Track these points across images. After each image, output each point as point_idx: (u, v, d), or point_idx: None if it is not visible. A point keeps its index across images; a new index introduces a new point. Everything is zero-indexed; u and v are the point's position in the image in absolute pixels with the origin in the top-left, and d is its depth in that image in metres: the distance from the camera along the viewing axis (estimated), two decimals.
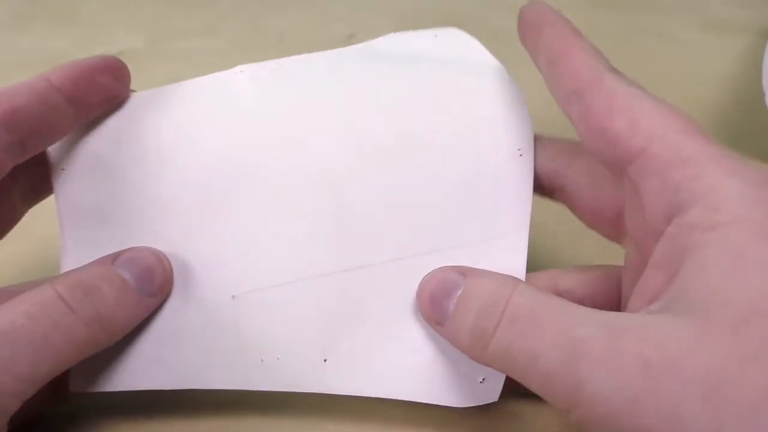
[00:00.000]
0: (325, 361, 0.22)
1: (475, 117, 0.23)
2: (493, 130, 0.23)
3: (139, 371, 0.22)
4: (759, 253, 0.15)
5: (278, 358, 0.22)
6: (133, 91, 0.24)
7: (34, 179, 0.23)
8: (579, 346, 0.16)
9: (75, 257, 0.22)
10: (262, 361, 0.22)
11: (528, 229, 0.22)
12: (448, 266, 0.21)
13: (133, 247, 0.22)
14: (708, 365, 0.14)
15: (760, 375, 0.14)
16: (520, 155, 0.23)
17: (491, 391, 0.22)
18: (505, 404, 0.22)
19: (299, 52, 0.23)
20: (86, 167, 0.23)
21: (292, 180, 0.23)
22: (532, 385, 0.17)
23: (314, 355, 0.22)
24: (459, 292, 0.20)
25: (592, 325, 0.16)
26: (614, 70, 0.19)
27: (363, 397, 0.22)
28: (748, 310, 0.14)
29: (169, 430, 0.23)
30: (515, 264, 0.22)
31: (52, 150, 0.23)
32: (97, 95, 0.22)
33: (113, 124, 0.23)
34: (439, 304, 0.20)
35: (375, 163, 0.23)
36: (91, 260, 0.22)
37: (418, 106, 0.23)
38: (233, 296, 0.22)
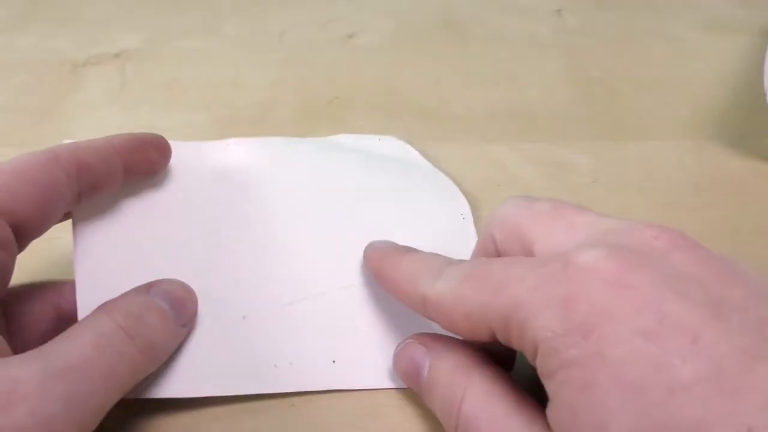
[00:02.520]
0: (334, 362, 0.24)
1: (425, 193, 0.29)
2: (439, 201, 0.29)
3: (161, 380, 0.22)
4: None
5: (291, 363, 0.23)
6: None
7: None
8: None
9: (90, 286, 0.23)
10: (276, 366, 0.23)
11: None
12: (411, 340, 0.22)
13: (164, 279, 0.23)
14: None
15: None
16: (463, 218, 0.29)
17: None
18: None
19: (299, 52, 0.24)
20: (104, 204, 0.24)
21: (289, 224, 0.26)
22: None
23: (324, 357, 0.24)
24: (425, 373, 0.21)
25: None
26: None
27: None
28: None
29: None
30: None
31: None
32: (144, 165, 0.25)
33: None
34: (414, 380, 0.22)
35: (351, 222, 0.27)
36: (105, 288, 0.22)
37: (380, 186, 0.29)
38: (244, 317, 0.24)
